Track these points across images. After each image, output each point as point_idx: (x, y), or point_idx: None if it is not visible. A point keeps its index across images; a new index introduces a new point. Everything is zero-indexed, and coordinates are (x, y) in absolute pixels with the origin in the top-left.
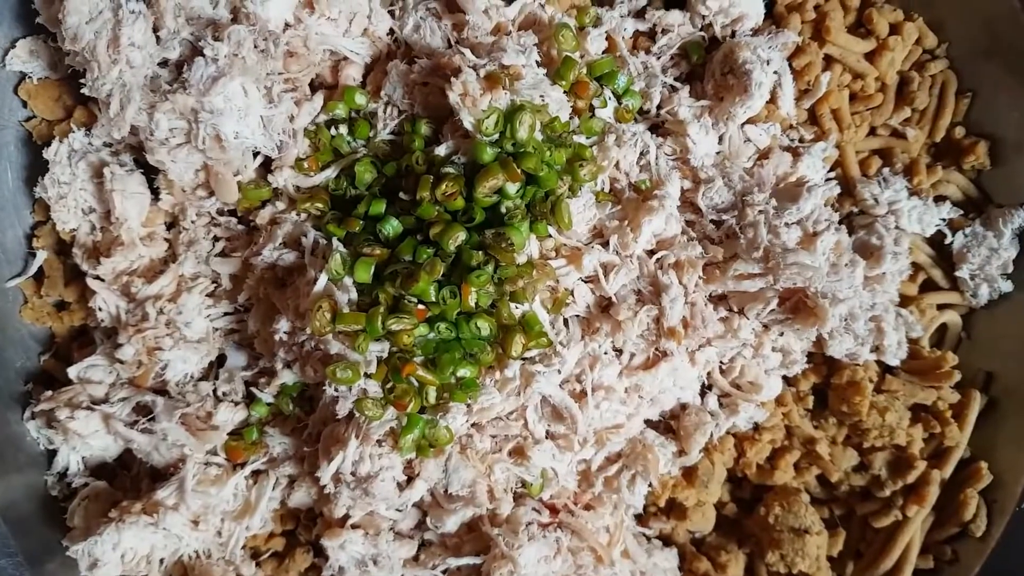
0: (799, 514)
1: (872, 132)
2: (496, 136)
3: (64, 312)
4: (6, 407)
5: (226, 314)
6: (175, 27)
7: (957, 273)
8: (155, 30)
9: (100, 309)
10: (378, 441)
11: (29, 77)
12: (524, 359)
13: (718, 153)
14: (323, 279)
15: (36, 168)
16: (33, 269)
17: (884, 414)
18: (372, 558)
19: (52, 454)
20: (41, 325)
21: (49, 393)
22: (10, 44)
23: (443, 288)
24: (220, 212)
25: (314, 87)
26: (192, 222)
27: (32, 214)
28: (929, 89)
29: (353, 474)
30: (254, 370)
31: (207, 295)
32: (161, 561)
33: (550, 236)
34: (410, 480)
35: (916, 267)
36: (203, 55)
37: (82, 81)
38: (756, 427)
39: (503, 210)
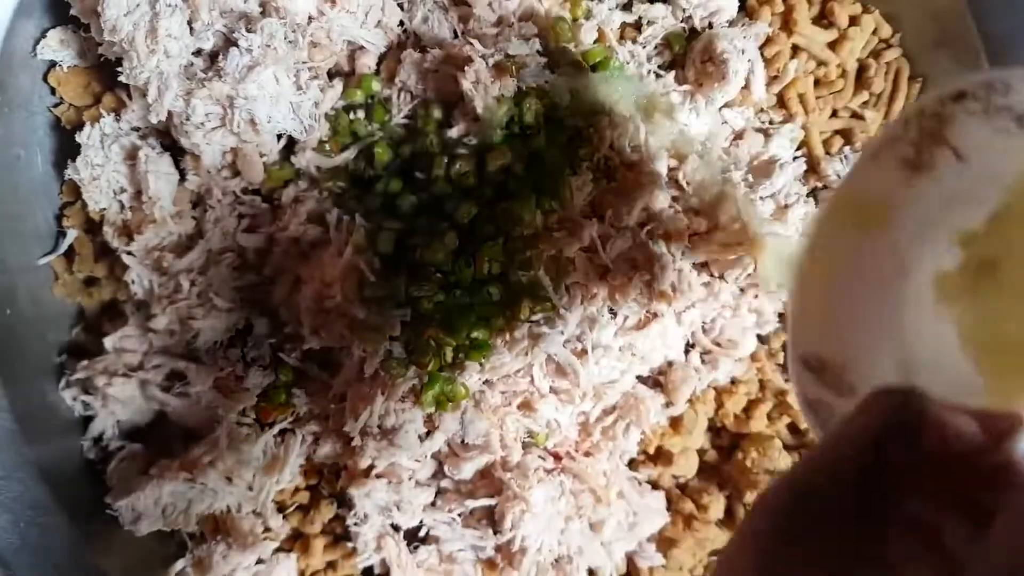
0: (773, 458)
1: (834, 114)
2: (505, 120)
3: (94, 288)
4: (42, 378)
5: (251, 285)
6: (209, 20)
7: None
8: (189, 22)
9: (133, 282)
10: (401, 397)
11: (59, 65)
12: (531, 322)
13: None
14: (348, 251)
15: (64, 152)
16: (64, 247)
17: None
18: (395, 504)
19: (86, 421)
20: (72, 300)
21: (86, 362)
22: (41, 34)
23: (459, 258)
24: (244, 191)
25: (331, 75)
26: (219, 201)
27: (61, 195)
28: (884, 75)
29: (379, 427)
30: (279, 337)
31: (234, 268)
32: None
33: (553, 210)
34: (429, 432)
35: None
36: (237, 46)
37: (118, 69)
38: (733, 381)
39: (511, 187)
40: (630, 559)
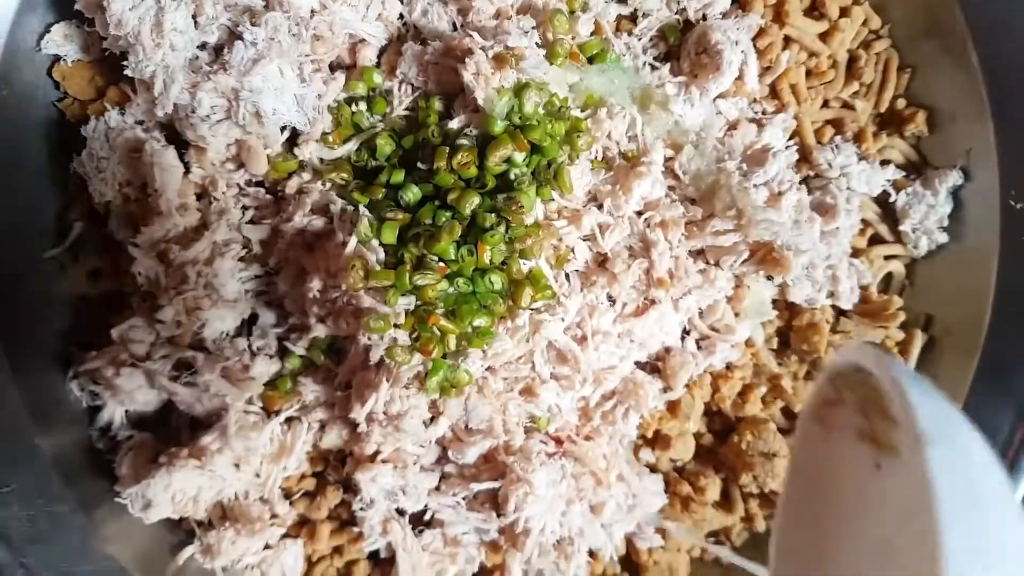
0: (768, 440)
1: (825, 104)
2: (505, 111)
3: (100, 280)
4: (50, 370)
5: (256, 276)
6: (214, 13)
7: (900, 227)
8: (194, 16)
9: (140, 273)
10: (406, 384)
11: (64, 59)
12: (532, 309)
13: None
14: (353, 241)
15: (69, 146)
16: (70, 240)
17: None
18: (401, 488)
19: (94, 411)
20: (79, 292)
21: (93, 353)
22: (45, 29)
23: (461, 247)
24: (248, 183)
25: (333, 68)
26: (223, 193)
27: (66, 189)
28: (874, 65)
29: (385, 413)
30: (284, 326)
31: (239, 259)
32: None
33: (553, 200)
34: (434, 418)
35: (865, 223)
36: (242, 39)
37: (123, 63)
38: (728, 366)
39: (512, 177)
40: (629, 540)
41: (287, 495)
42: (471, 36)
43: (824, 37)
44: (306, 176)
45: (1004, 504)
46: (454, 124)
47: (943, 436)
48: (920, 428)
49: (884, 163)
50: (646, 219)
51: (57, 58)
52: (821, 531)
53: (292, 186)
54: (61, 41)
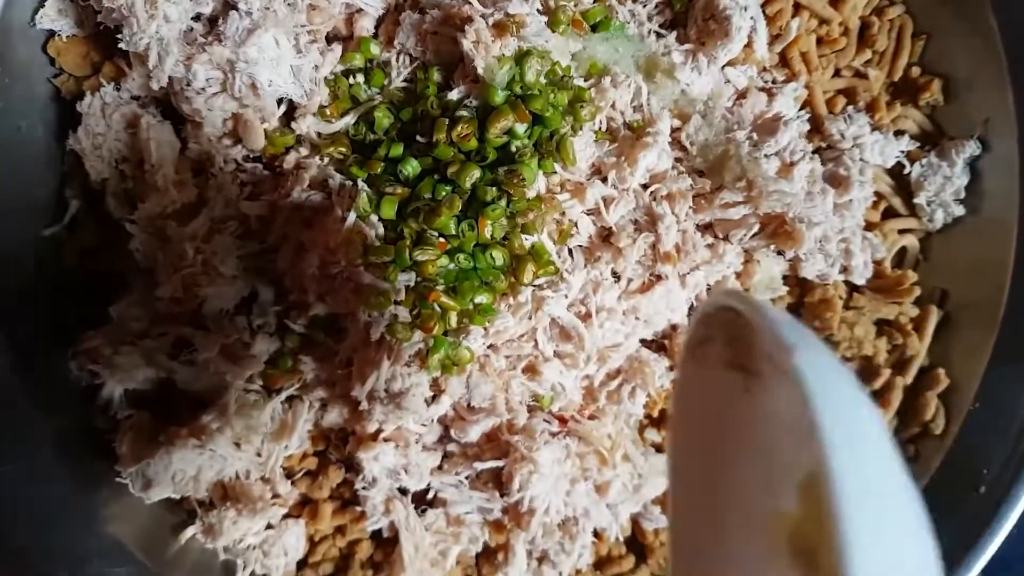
0: None
1: (837, 73)
2: (506, 80)
3: (98, 257)
4: (48, 349)
5: (255, 253)
6: None
7: (915, 200)
8: None
9: (137, 250)
10: (407, 362)
11: (58, 35)
12: (534, 286)
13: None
14: (352, 216)
15: (65, 122)
16: (67, 218)
17: (853, 327)
18: (403, 467)
19: (93, 391)
20: (76, 270)
21: (91, 332)
22: (39, 4)
23: (461, 222)
24: (246, 159)
25: (329, 39)
26: (220, 169)
27: (63, 166)
28: (888, 32)
29: (386, 391)
30: (284, 304)
31: (237, 236)
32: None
33: (556, 172)
34: (436, 396)
35: (878, 196)
36: (237, 9)
37: (117, 37)
38: None
39: (513, 149)
40: (635, 521)
41: (289, 474)
42: (470, 3)
43: (835, 3)
44: (303, 151)
45: (863, 395)
46: (454, 95)
47: (805, 343)
48: (785, 338)
49: (898, 134)
50: (652, 192)
51: (52, 33)
52: (705, 464)
53: (290, 161)
54: (55, 16)
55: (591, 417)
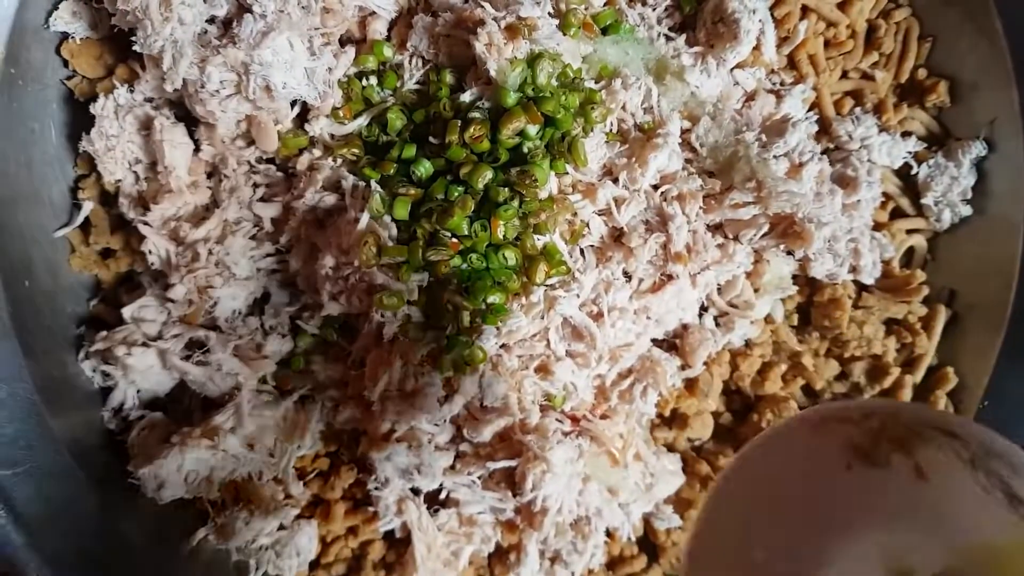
0: None
1: (844, 75)
2: (518, 82)
3: (110, 259)
4: (62, 350)
5: (268, 255)
6: None
7: (923, 200)
8: None
9: (151, 252)
10: (420, 362)
11: (72, 37)
12: (547, 285)
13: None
14: (365, 217)
15: (78, 124)
16: (79, 220)
17: (862, 327)
18: (416, 467)
19: (106, 392)
20: (88, 272)
21: (104, 333)
22: (53, 6)
23: (474, 223)
24: (259, 160)
25: (343, 42)
26: (233, 170)
27: (75, 168)
28: (894, 35)
29: (399, 391)
30: (297, 305)
31: (250, 237)
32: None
33: (567, 173)
34: (448, 396)
35: (886, 196)
36: (251, 12)
37: (131, 39)
38: (748, 343)
39: (525, 150)
40: (647, 520)
41: (301, 475)
42: (482, 6)
43: (843, 6)
44: (317, 152)
45: None
46: (466, 97)
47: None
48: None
49: (905, 135)
50: (663, 192)
51: (65, 36)
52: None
53: (303, 163)
54: (69, 18)
55: (603, 416)
